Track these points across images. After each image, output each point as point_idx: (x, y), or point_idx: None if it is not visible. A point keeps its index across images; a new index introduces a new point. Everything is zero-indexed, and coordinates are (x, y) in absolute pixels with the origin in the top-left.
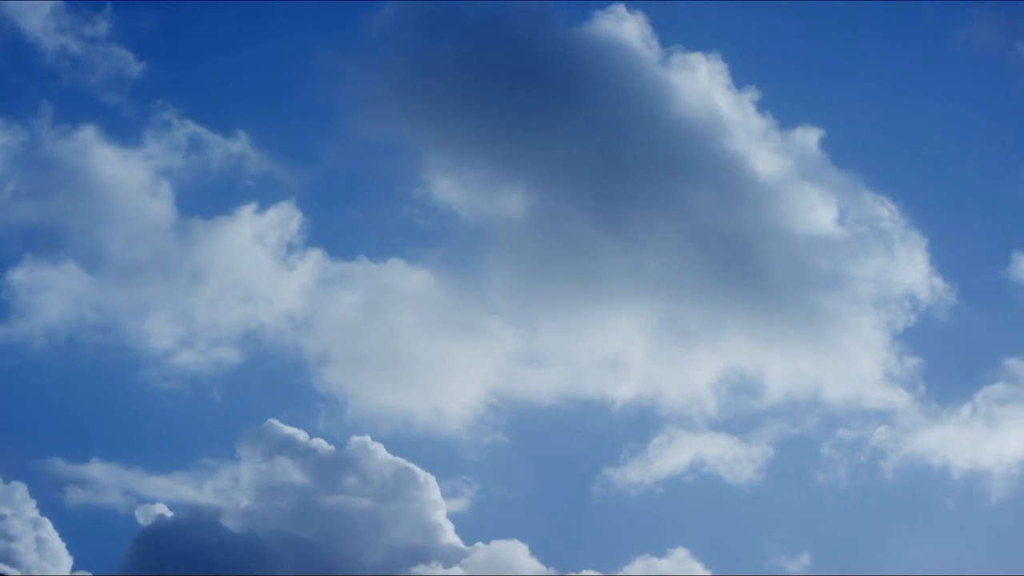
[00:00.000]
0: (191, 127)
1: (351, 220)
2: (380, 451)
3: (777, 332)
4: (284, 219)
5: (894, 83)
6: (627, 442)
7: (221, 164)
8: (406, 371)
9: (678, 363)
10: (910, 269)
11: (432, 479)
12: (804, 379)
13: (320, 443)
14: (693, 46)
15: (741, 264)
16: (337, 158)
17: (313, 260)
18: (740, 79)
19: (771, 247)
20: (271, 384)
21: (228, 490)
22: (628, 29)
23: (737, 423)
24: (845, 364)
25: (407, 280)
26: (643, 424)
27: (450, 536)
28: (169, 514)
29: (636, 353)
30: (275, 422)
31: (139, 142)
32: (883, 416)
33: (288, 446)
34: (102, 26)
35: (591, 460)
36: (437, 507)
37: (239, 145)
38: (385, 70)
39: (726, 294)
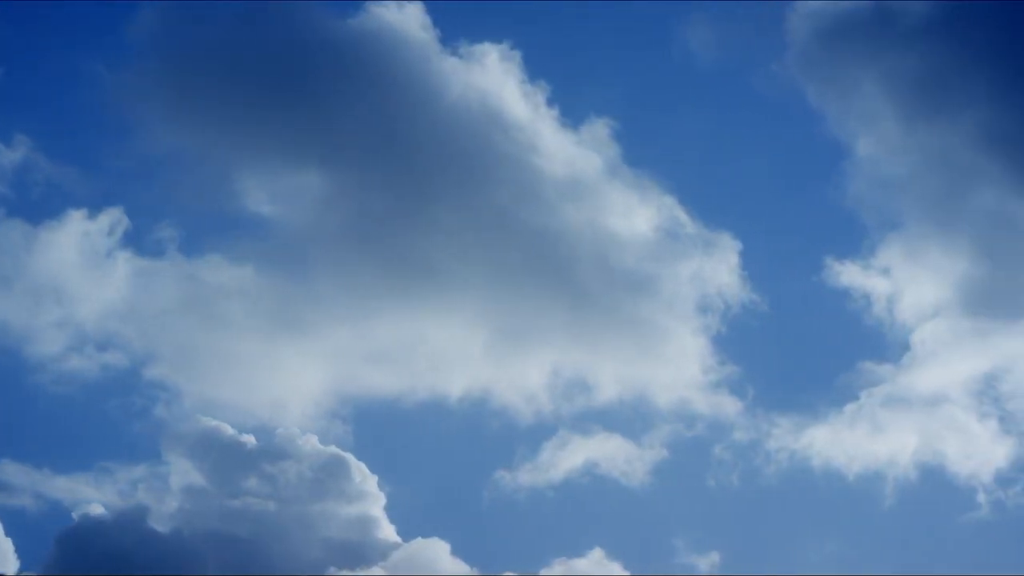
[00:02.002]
0: None
1: (158, 221)
2: (311, 442)
3: (599, 334)
4: (88, 223)
5: (690, 86)
6: (465, 433)
7: (8, 170)
8: (240, 367)
9: (513, 361)
10: (722, 274)
11: (375, 476)
12: (633, 381)
13: (249, 438)
14: (478, 39)
15: (553, 262)
16: (125, 163)
17: (126, 261)
18: (532, 73)
19: (577, 246)
20: (102, 384)
21: (157, 489)
22: (407, 19)
23: (570, 423)
24: (670, 368)
25: (228, 277)
26: (480, 419)
27: (386, 530)
28: (96, 512)
29: (472, 349)
30: (201, 418)
31: None
32: (723, 421)
33: (213, 441)
34: None
35: (446, 456)
36: (375, 500)
37: (22, 151)
38: (154, 72)
39: (545, 292)
